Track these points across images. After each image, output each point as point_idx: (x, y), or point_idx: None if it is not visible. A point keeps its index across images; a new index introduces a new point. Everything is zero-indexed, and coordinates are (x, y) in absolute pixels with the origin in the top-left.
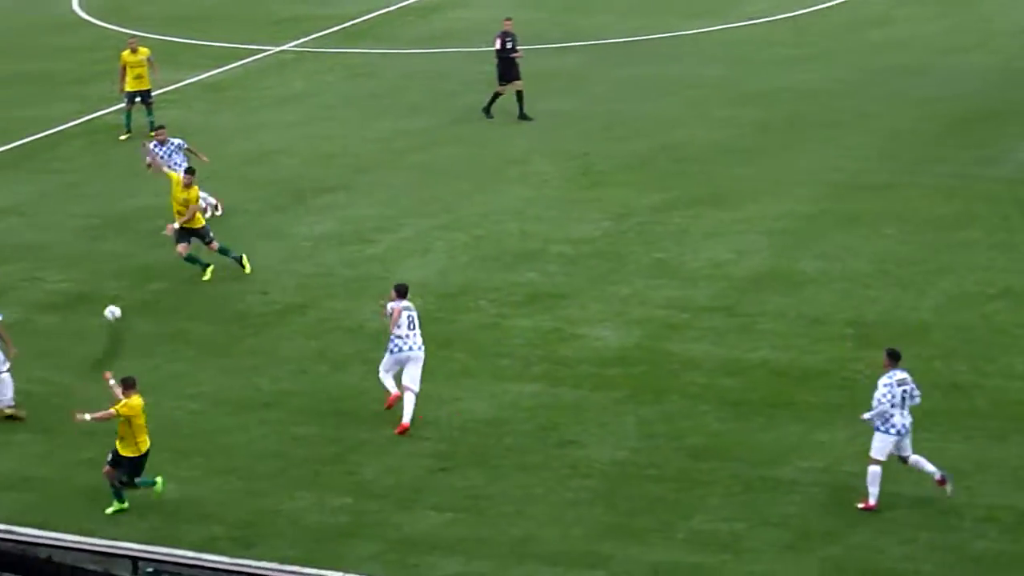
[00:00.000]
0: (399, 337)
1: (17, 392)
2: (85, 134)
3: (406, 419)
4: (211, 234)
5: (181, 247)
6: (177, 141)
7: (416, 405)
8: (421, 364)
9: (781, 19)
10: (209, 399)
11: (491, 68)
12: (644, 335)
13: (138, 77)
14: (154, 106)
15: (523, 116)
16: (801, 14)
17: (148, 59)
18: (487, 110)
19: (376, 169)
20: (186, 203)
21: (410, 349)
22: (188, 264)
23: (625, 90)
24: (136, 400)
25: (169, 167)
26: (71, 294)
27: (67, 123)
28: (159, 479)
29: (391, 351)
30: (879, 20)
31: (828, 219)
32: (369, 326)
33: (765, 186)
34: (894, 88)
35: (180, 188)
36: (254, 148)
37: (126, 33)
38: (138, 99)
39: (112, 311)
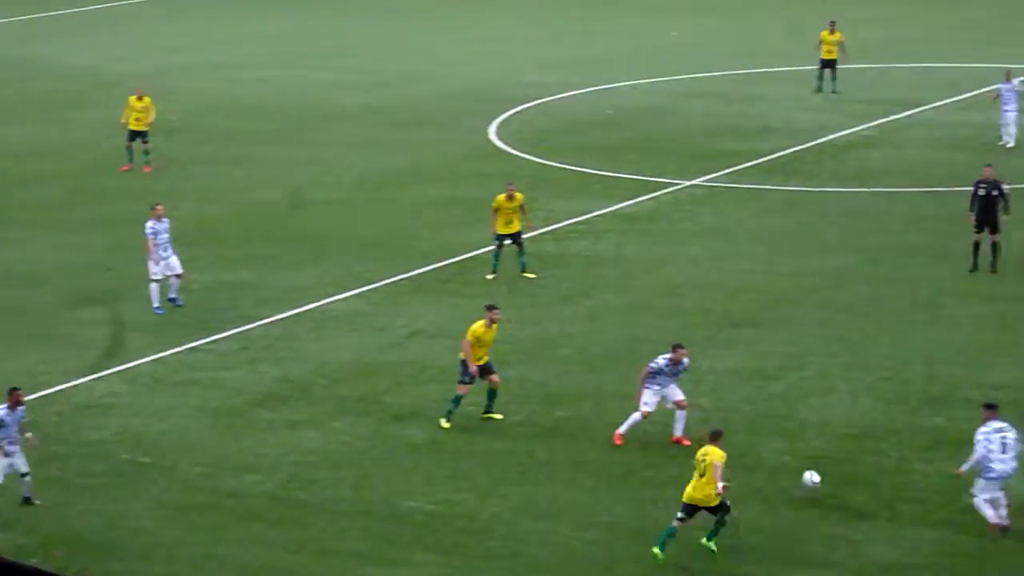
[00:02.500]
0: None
1: (419, 512)
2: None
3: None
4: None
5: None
6: None
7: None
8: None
9: None
10: (604, 529)
11: (910, 209)
12: None
13: (509, 223)
14: (567, 237)
15: (993, 267)
16: None
17: (521, 206)
18: (974, 267)
19: (783, 306)
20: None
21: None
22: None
23: None
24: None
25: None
26: (477, 417)
27: (478, 250)
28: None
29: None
30: None
31: None
32: (768, 464)
33: None
34: None
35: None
36: (662, 281)
37: (540, 163)
38: (508, 241)
39: (811, 480)
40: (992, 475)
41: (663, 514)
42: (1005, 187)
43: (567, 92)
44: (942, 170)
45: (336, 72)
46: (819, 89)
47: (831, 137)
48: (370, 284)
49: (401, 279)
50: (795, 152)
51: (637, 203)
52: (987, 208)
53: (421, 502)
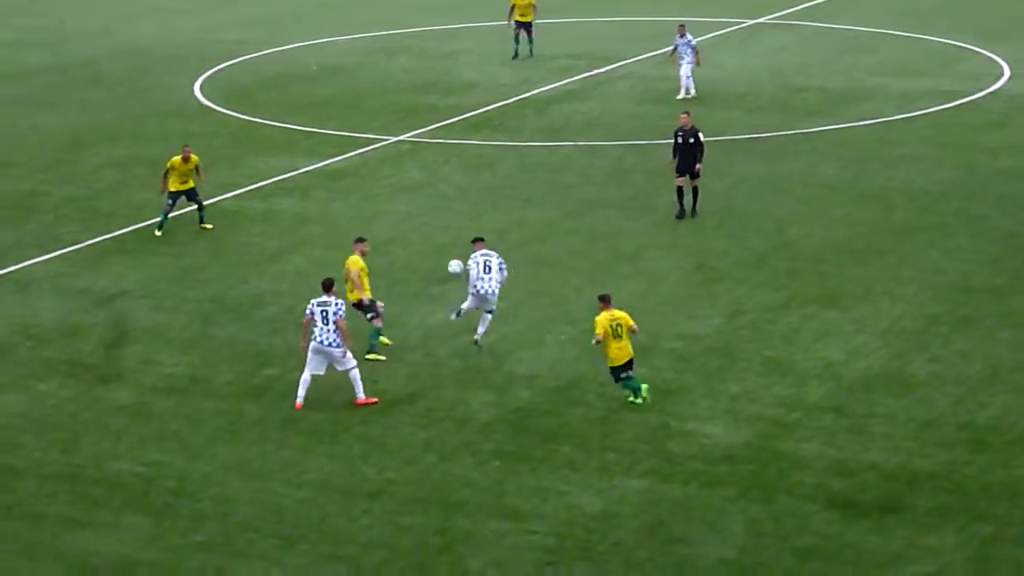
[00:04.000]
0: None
1: (128, 474)
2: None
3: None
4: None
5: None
6: None
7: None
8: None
9: (897, 119)
10: (316, 486)
11: (613, 163)
12: (754, 433)
13: (184, 181)
14: (274, 194)
15: (694, 212)
16: (917, 115)
17: (196, 167)
18: (680, 212)
19: None
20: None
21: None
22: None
23: (742, 187)
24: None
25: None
26: (185, 377)
27: (184, 208)
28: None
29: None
30: (995, 124)
31: (941, 321)
32: (478, 418)
33: (879, 286)
34: (1006, 191)
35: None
36: (370, 237)
37: (245, 120)
38: (183, 198)
39: (455, 266)
40: (473, 291)
41: (373, 470)
42: (701, 136)
43: (267, 49)
44: (644, 123)
45: (17, 32)
46: (516, 54)
47: (534, 92)
48: (72, 245)
49: (103, 239)
50: (499, 107)
51: (344, 159)
52: (687, 156)
53: (131, 464)
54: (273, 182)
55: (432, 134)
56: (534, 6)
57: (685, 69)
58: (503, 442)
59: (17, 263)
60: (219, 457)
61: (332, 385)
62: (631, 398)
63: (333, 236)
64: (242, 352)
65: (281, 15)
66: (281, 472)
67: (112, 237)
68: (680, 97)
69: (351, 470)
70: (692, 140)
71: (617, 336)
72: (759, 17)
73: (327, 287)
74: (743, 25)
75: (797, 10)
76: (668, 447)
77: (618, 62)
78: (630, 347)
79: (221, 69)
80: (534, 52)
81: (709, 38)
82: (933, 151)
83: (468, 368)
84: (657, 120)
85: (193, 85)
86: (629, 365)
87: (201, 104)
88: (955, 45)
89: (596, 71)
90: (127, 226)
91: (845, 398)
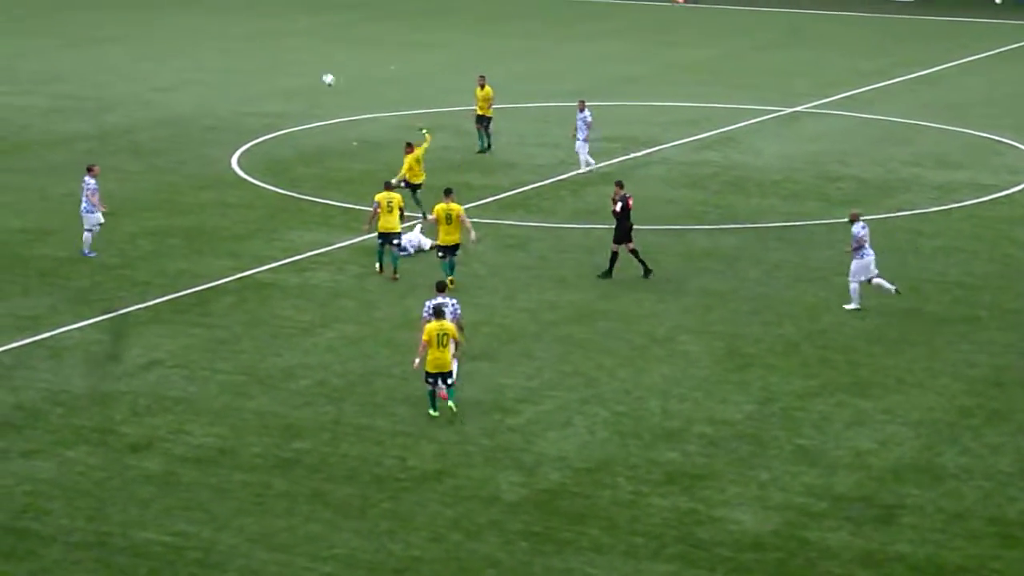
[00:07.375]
0: None
1: (155, 544)
2: (236, 291)
3: None
4: None
5: None
6: None
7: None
8: None
9: (933, 211)
10: (342, 562)
11: (648, 246)
12: (782, 521)
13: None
14: (309, 268)
15: (648, 272)
16: (952, 207)
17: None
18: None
19: (521, 340)
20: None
21: None
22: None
23: (777, 274)
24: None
25: None
26: (214, 448)
27: (219, 279)
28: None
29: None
30: None
31: (972, 414)
32: (506, 497)
33: (911, 377)
34: None
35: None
36: (402, 313)
37: (283, 194)
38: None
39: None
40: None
41: (399, 546)
42: (618, 206)
43: (307, 123)
44: (678, 208)
45: (55, 99)
46: (481, 148)
47: (571, 174)
48: (107, 314)
49: (138, 308)
50: (535, 188)
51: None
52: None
53: (157, 534)
54: (308, 256)
55: (468, 213)
56: (490, 101)
57: (579, 145)
58: (530, 522)
59: (51, 330)
60: (246, 529)
61: (361, 458)
62: (431, 410)
63: (366, 311)
64: (272, 424)
65: (322, 89)
66: (307, 546)
67: (146, 307)
68: (582, 172)
69: (377, 546)
70: (622, 207)
71: (442, 345)
72: (797, 105)
73: (441, 288)
74: (781, 113)
75: (834, 99)
76: (696, 533)
77: (655, 146)
78: (449, 358)
79: (260, 142)
80: (492, 147)
81: (747, 125)
82: (968, 244)
83: (497, 448)
84: (691, 205)
85: (231, 157)
86: (450, 375)
87: (238, 176)
88: (991, 138)
89: (633, 154)
90: (162, 296)
91: (874, 488)
